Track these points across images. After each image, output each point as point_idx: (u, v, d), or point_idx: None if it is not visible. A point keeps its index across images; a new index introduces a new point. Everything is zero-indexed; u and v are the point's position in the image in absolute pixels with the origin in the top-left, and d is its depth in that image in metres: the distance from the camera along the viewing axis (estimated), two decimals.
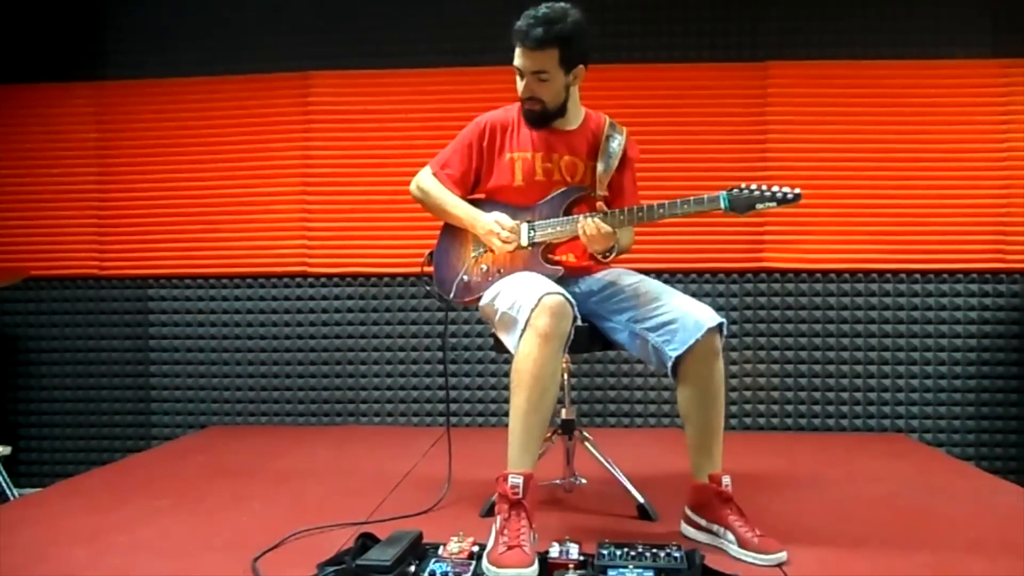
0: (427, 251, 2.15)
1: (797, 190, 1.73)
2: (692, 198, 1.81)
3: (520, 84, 1.95)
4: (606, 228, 1.83)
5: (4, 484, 2.76)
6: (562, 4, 1.88)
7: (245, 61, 3.39)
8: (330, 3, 3.38)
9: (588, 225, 1.85)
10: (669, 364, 1.81)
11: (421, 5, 3.34)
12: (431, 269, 2.13)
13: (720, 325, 1.79)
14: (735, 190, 1.77)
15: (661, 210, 1.84)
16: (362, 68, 3.36)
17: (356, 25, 3.37)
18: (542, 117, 1.99)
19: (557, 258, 2.01)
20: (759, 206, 1.75)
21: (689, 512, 1.85)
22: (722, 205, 1.78)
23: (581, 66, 1.94)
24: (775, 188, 1.75)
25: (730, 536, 1.72)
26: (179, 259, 3.44)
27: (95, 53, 3.45)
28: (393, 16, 3.36)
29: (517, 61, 1.90)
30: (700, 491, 1.81)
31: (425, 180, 2.09)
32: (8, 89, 3.46)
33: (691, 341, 1.76)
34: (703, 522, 1.80)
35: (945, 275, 3.19)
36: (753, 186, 1.76)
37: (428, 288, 2.14)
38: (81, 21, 3.45)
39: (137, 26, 3.45)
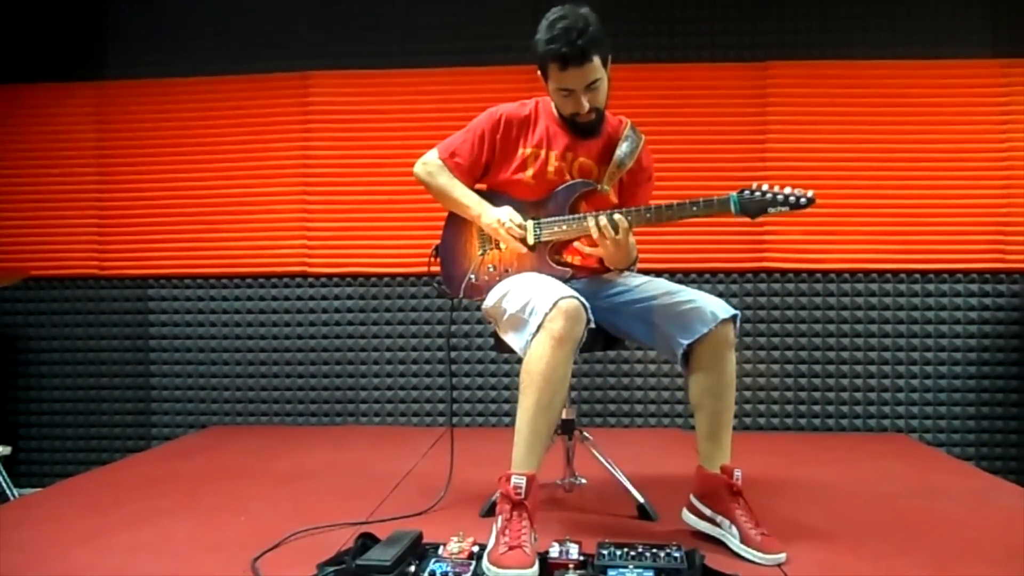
0: (432, 247, 2.11)
1: (810, 194, 1.68)
2: (702, 200, 1.77)
3: (568, 102, 1.87)
4: (624, 224, 1.79)
5: (4, 484, 2.76)
6: (571, 7, 1.81)
7: (245, 61, 3.39)
8: (330, 3, 3.38)
9: (600, 222, 1.80)
10: (680, 352, 1.79)
11: (421, 5, 3.34)
12: (437, 268, 2.10)
13: (734, 317, 1.78)
14: (746, 192, 1.72)
15: (670, 211, 1.80)
16: (362, 68, 3.36)
17: (356, 25, 3.37)
18: (599, 122, 1.94)
19: (565, 259, 1.99)
20: (771, 210, 1.70)
21: (694, 500, 1.83)
22: (732, 209, 1.73)
23: (609, 57, 1.88)
24: (787, 191, 1.70)
25: (734, 530, 1.70)
26: (179, 259, 3.44)
27: (95, 53, 3.45)
28: (393, 16, 3.36)
29: (564, 83, 1.82)
30: (709, 480, 1.78)
31: (432, 164, 2.04)
32: (8, 89, 3.46)
33: (705, 330, 1.74)
34: (708, 511, 1.78)
35: (945, 275, 3.19)
36: (764, 187, 1.71)
37: (437, 287, 2.12)
38: (81, 21, 3.45)
39: (137, 26, 3.45)
